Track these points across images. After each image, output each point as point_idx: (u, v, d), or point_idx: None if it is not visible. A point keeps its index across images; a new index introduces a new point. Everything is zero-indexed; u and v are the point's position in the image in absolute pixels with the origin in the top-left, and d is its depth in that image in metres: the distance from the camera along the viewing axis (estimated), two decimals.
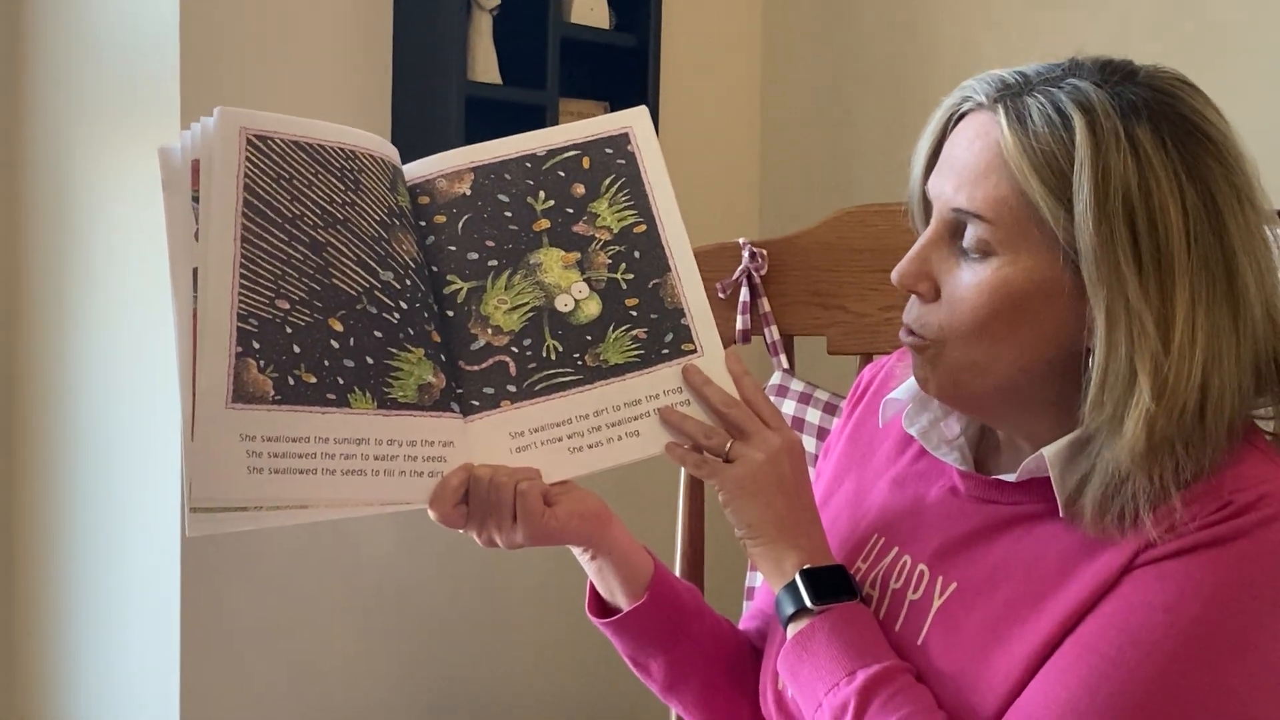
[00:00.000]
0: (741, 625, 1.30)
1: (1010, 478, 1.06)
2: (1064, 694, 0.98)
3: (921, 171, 1.09)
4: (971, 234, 1.02)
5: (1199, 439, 0.97)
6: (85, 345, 2.08)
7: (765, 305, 1.64)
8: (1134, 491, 0.98)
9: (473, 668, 2.28)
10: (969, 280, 1.02)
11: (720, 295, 1.63)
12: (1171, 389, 0.96)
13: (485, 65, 2.14)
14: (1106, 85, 0.99)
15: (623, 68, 2.27)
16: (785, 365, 1.66)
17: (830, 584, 1.10)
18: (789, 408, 1.63)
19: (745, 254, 1.63)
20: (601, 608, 1.24)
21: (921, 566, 1.11)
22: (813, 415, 1.62)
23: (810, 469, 1.29)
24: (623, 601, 1.21)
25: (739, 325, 1.63)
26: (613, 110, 2.29)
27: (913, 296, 1.07)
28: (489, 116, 2.09)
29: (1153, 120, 0.98)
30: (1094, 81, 1.00)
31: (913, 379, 1.11)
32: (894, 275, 1.07)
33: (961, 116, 1.06)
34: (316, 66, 2.06)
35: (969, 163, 1.02)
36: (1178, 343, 0.96)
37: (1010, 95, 1.01)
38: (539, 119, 2.12)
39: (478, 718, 2.28)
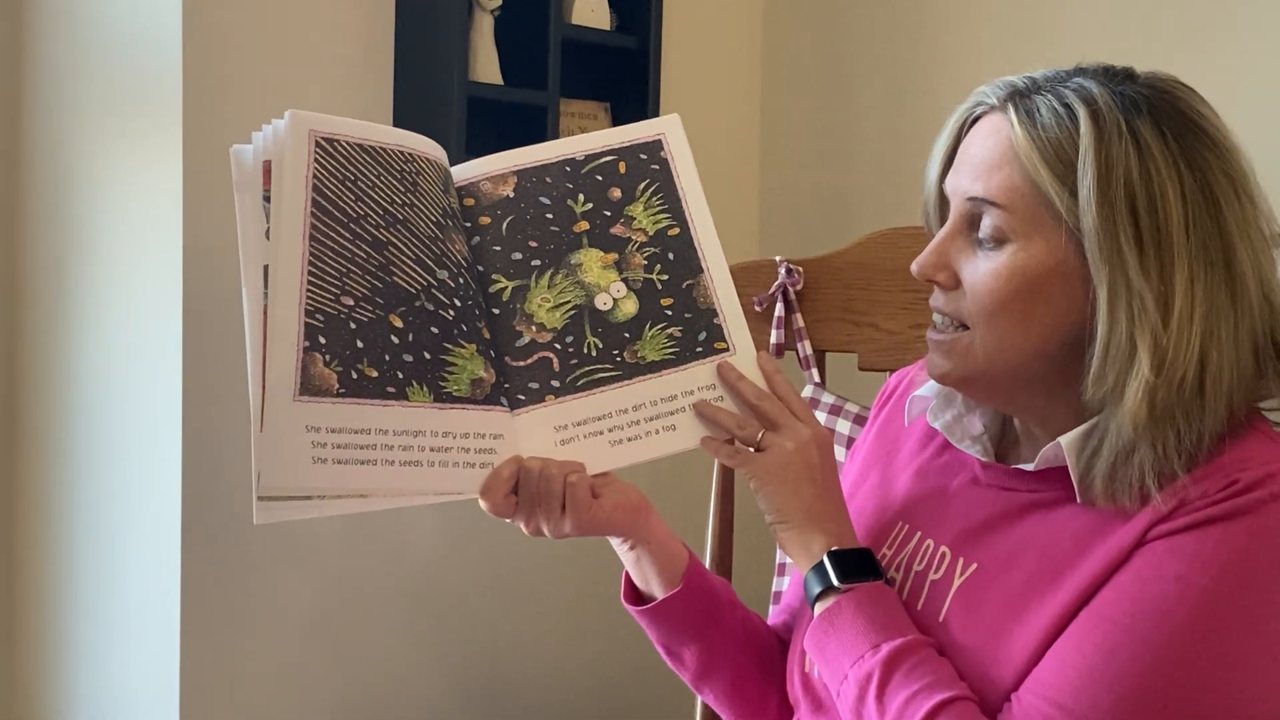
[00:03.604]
0: (770, 621, 1.35)
1: (1029, 467, 1.12)
2: (1079, 660, 1.03)
3: (938, 172, 1.17)
4: (987, 223, 1.09)
5: (1199, 410, 1.04)
6: (86, 342, 2.09)
7: (799, 320, 1.69)
8: (1140, 461, 1.04)
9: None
10: (986, 267, 1.09)
11: (756, 309, 1.68)
12: (1170, 362, 1.02)
13: (487, 65, 2.17)
14: (1109, 85, 1.07)
15: (623, 69, 2.29)
16: (817, 379, 1.71)
17: (856, 565, 1.16)
18: (820, 419, 1.67)
19: (782, 270, 1.68)
20: (637, 597, 1.28)
21: (944, 549, 1.16)
22: (843, 426, 1.67)
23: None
24: (658, 590, 1.25)
25: (773, 339, 1.68)
26: (613, 111, 2.33)
27: (936, 288, 1.14)
28: (490, 117, 2.11)
29: (1153, 115, 1.05)
30: (1098, 81, 1.08)
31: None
32: (914, 266, 1.14)
33: (975, 120, 1.13)
34: (319, 67, 2.07)
35: (984, 156, 1.10)
36: (1176, 318, 1.03)
37: (1020, 95, 1.09)
38: (540, 119, 2.14)
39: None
